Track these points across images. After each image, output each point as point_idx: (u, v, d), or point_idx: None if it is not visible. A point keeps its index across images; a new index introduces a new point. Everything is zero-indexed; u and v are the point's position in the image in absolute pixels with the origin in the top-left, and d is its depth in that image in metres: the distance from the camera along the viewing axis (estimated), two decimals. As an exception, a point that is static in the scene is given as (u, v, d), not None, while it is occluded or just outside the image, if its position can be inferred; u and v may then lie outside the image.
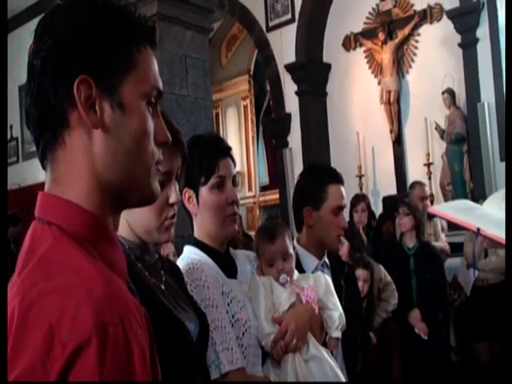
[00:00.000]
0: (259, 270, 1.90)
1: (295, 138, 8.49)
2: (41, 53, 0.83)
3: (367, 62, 8.00)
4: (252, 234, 6.08)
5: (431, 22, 7.39)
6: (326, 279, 1.99)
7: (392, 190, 7.45)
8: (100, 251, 0.82)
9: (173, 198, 1.37)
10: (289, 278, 1.87)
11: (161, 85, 0.90)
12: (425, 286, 4.26)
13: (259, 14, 8.75)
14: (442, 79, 7.11)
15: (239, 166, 10.31)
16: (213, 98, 5.82)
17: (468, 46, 6.89)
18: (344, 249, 3.90)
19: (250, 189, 11.08)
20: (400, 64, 7.64)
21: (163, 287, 1.35)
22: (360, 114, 8.03)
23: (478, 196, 5.90)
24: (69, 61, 0.81)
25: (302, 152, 8.34)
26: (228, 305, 1.68)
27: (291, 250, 1.92)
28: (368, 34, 7.90)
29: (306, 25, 8.24)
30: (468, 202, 2.56)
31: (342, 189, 2.26)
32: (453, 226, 4.99)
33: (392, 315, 4.20)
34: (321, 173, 2.32)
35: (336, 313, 1.92)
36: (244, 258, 1.90)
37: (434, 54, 7.29)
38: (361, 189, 7.58)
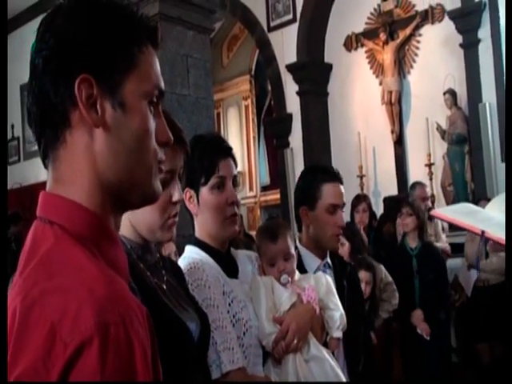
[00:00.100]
0: (261, 270, 1.90)
1: (296, 138, 8.50)
2: (43, 52, 0.83)
3: (368, 63, 8.00)
4: (253, 234, 6.08)
5: (433, 23, 7.38)
6: (327, 279, 1.99)
7: (393, 190, 7.45)
8: (102, 251, 0.82)
9: (176, 197, 1.37)
10: (290, 279, 1.87)
11: (163, 84, 0.90)
12: (427, 286, 4.26)
13: (260, 14, 8.75)
14: (443, 80, 7.11)
15: (240, 165, 10.30)
16: (214, 98, 5.82)
17: (469, 46, 6.89)
18: (345, 249, 3.90)
19: (250, 189, 11.08)
20: (401, 64, 7.63)
21: (165, 287, 1.35)
22: (361, 115, 8.03)
23: (479, 197, 5.91)
24: (70, 60, 0.81)
25: (303, 152, 8.34)
26: (229, 305, 1.68)
27: (293, 251, 1.92)
28: (369, 34, 7.90)
29: (307, 25, 8.24)
30: (470, 206, 2.57)
31: (340, 187, 2.24)
32: (453, 227, 4.99)
33: (393, 315, 4.20)
34: (317, 172, 2.32)
35: (337, 313, 1.92)
36: (245, 258, 1.90)
37: (436, 55, 7.29)
38: (362, 189, 7.58)
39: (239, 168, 8.30)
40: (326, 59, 8.44)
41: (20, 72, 6.18)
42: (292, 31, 8.38)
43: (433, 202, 6.75)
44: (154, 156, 0.88)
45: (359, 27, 8.04)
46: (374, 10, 7.92)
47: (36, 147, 0.89)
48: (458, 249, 5.44)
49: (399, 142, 7.64)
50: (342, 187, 2.26)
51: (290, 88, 8.51)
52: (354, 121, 8.11)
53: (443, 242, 5.37)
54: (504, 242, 1.73)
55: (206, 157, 1.71)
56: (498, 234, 1.78)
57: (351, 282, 2.31)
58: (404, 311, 4.21)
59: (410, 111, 7.63)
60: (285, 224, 2.05)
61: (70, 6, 0.85)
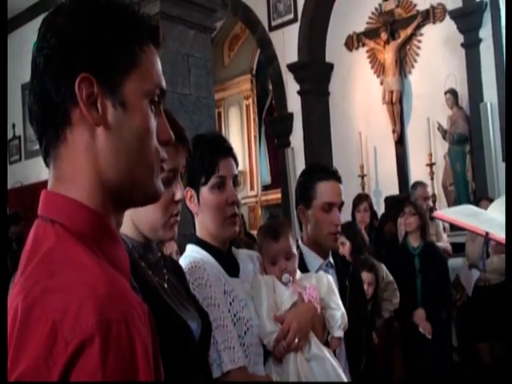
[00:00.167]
0: (262, 269, 1.90)
1: (297, 138, 8.50)
2: (44, 51, 0.83)
3: (370, 62, 7.99)
4: (254, 233, 6.08)
5: (434, 22, 7.37)
6: (328, 279, 1.99)
7: (394, 190, 7.45)
8: (103, 249, 0.82)
9: (178, 195, 1.37)
10: (291, 278, 1.87)
11: (164, 84, 0.91)
12: (429, 285, 4.25)
13: (262, 14, 8.75)
14: (444, 79, 7.10)
15: (241, 165, 10.30)
16: (215, 98, 5.82)
17: (471, 46, 6.88)
18: (346, 249, 3.90)
19: (251, 188, 11.08)
20: (402, 64, 7.63)
21: (166, 286, 1.35)
22: (362, 114, 8.03)
23: (481, 196, 5.90)
24: (71, 59, 0.82)
25: (304, 151, 8.34)
26: (230, 304, 1.68)
27: (294, 250, 1.92)
28: (370, 33, 7.89)
29: (308, 24, 8.24)
30: (472, 207, 2.57)
31: (337, 185, 2.22)
32: (454, 227, 4.98)
33: (394, 314, 4.20)
34: (313, 171, 2.32)
35: (338, 312, 1.92)
36: (246, 257, 1.90)
37: (437, 54, 7.28)
38: (363, 189, 7.58)
39: (240, 167, 8.27)
40: (327, 59, 8.44)
41: (21, 71, 6.19)
42: (293, 31, 8.38)
43: (434, 202, 6.75)
44: (156, 155, 0.88)
45: (360, 27, 8.04)
46: (375, 9, 7.92)
47: (37, 146, 0.89)
48: (458, 248, 5.44)
49: (400, 142, 7.64)
50: (339, 185, 2.23)
51: (291, 87, 8.51)
52: (355, 120, 8.10)
53: (444, 242, 5.37)
54: None
55: (207, 156, 1.71)
56: (501, 235, 1.78)
57: (353, 282, 2.31)
58: (406, 310, 4.21)
59: (411, 111, 7.62)
60: (287, 223, 2.05)
61: (72, 6, 0.86)
